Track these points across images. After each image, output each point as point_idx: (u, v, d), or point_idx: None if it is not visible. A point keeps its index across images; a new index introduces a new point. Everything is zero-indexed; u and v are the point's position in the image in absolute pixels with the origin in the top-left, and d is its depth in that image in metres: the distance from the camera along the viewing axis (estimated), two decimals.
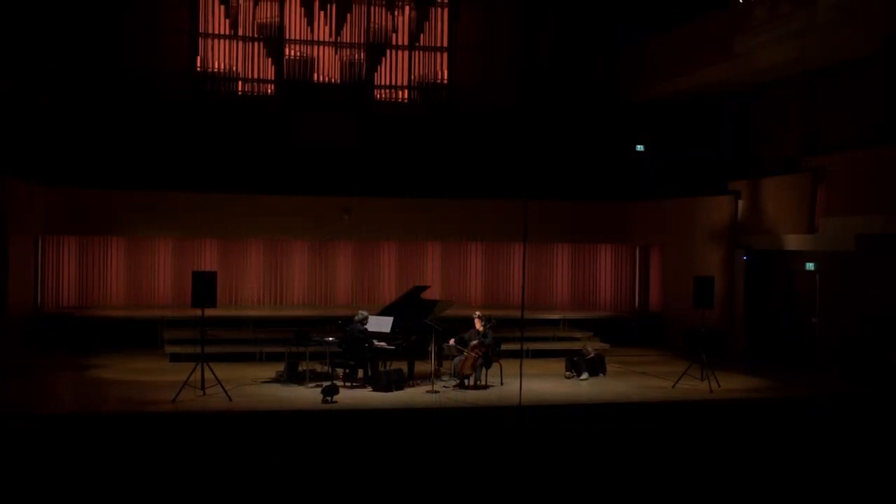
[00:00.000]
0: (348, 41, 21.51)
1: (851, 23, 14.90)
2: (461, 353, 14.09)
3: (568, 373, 15.16)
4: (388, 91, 21.72)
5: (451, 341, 14.27)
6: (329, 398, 12.56)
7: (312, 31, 21.37)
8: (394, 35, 21.74)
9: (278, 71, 21.17)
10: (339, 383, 13.39)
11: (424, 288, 15.71)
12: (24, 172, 17.39)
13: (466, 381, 14.02)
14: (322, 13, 21.39)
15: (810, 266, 16.58)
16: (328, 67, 21.44)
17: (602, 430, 12.18)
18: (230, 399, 12.47)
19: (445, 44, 21.95)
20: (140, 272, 19.74)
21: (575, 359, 15.30)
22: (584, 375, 15.06)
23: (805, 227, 16.24)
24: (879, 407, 13.04)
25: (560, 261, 21.57)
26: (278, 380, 14.27)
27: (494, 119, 21.70)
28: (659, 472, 12.09)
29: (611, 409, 12.80)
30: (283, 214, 19.42)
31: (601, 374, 15.29)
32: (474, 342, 14.11)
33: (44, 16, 19.40)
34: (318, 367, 14.58)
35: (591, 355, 15.50)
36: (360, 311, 14.47)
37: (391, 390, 13.49)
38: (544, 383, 14.41)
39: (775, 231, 17.05)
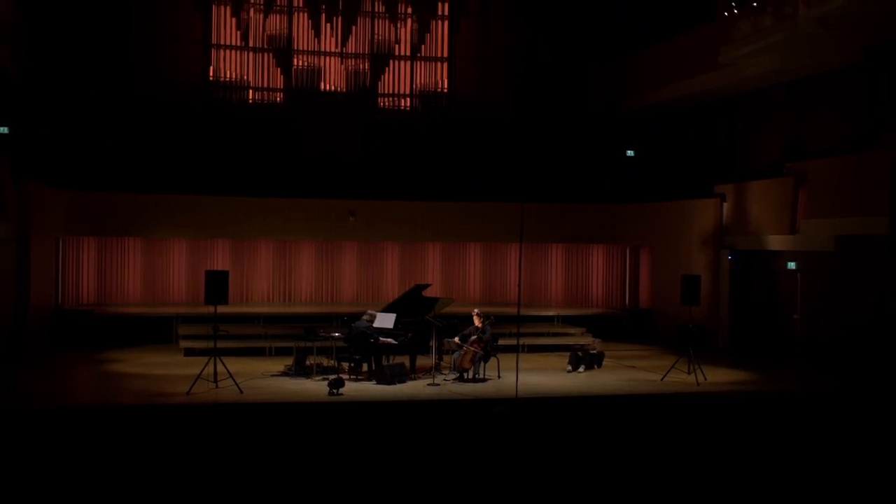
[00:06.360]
0: (353, 52, 21.56)
1: (832, 35, 14.93)
2: (461, 348, 14.13)
3: (569, 366, 15.19)
4: (390, 99, 21.77)
5: (456, 339, 14.29)
6: (335, 391, 12.59)
7: (319, 42, 21.42)
8: (397, 46, 21.78)
9: (287, 80, 21.21)
10: (344, 377, 13.42)
11: (425, 286, 15.74)
12: (45, 176, 17.45)
13: (465, 375, 14.05)
14: (328, 25, 21.45)
15: (792, 265, 16.62)
16: (334, 76, 21.48)
17: (594, 420, 12.21)
18: (241, 391, 12.51)
19: (446, 54, 21.99)
20: (155, 271, 19.76)
21: (579, 354, 15.34)
22: (581, 368, 15.12)
23: (787, 229, 16.28)
24: (859, 401, 13.08)
25: (554, 260, 21.59)
26: (287, 373, 14.31)
27: (492, 126, 21.73)
28: (647, 461, 12.12)
29: (603, 402, 12.83)
30: (291, 216, 19.45)
31: (595, 367, 15.36)
32: (473, 338, 14.14)
33: (63, 30, 19.42)
34: (325, 362, 14.61)
35: (595, 351, 15.60)
36: (367, 312, 14.51)
37: (394, 383, 13.53)
38: (540, 377, 14.44)
39: (759, 232, 17.08)
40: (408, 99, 21.86)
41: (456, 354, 14.25)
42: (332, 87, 21.43)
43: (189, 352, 15.93)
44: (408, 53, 21.85)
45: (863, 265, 14.66)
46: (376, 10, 21.64)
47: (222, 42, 20.94)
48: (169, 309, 18.55)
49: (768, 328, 17.26)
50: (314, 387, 13.26)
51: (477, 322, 14.38)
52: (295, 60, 21.25)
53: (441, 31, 22.00)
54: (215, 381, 12.80)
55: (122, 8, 20.02)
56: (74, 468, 10.67)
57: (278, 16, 21.21)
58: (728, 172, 18.96)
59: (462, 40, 22.13)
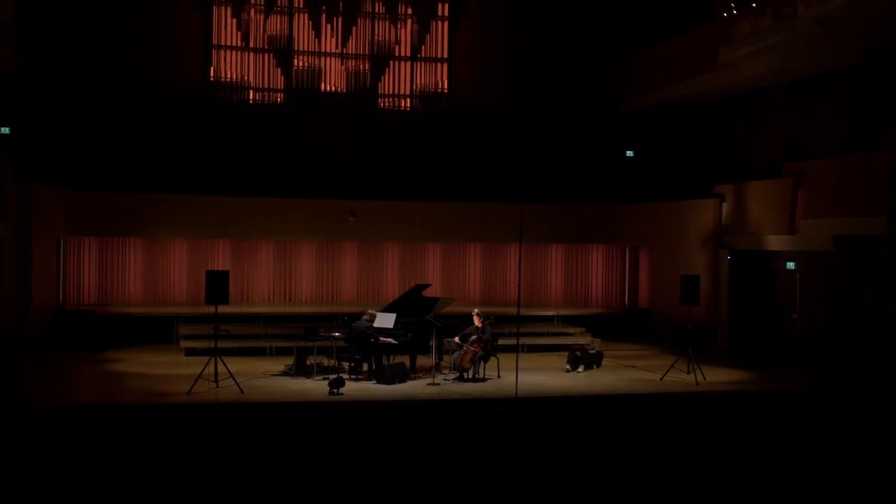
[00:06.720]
0: (354, 52, 21.56)
1: (831, 35, 14.92)
2: (461, 347, 14.12)
3: (568, 366, 15.18)
4: (391, 99, 21.76)
5: (456, 339, 14.28)
6: (335, 390, 12.59)
7: (320, 42, 21.41)
8: (397, 47, 21.78)
9: (287, 80, 21.21)
10: (344, 376, 13.40)
11: (426, 286, 15.73)
12: (45, 176, 17.45)
13: (465, 375, 14.04)
14: (329, 26, 21.45)
15: (791, 265, 16.61)
16: (334, 77, 21.48)
17: (594, 420, 12.20)
18: (242, 391, 12.50)
19: (446, 55, 21.98)
20: (156, 271, 19.77)
21: (578, 354, 15.33)
22: (581, 368, 15.12)
23: (786, 229, 16.28)
24: (858, 401, 13.07)
25: (554, 260, 21.59)
26: (287, 373, 14.31)
27: (492, 126, 21.73)
28: (647, 461, 12.13)
29: (602, 401, 12.82)
30: (291, 216, 19.44)
31: (594, 367, 15.36)
32: (473, 337, 14.14)
33: (63, 30, 19.40)
34: (325, 361, 14.60)
35: (594, 351, 15.59)
36: (367, 311, 14.51)
37: (394, 383, 13.52)
38: (540, 376, 14.42)
39: (758, 232, 17.08)
40: (408, 99, 21.85)
41: (456, 354, 14.24)
42: (333, 88, 21.42)
43: (190, 351, 15.92)
44: (408, 54, 21.84)
45: (861, 265, 14.65)
46: (376, 10, 21.64)
47: (223, 42, 20.93)
48: (170, 309, 18.54)
49: (767, 328, 17.25)
50: (314, 386, 13.26)
51: (477, 322, 14.37)
52: (295, 61, 21.24)
53: (441, 31, 21.99)
54: (216, 380, 12.79)
55: (122, 8, 20.00)
56: (74, 468, 10.67)
57: (279, 16, 21.21)
58: (727, 173, 18.96)
59: (462, 41, 22.12)
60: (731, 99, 19.49)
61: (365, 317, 14.31)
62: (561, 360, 15.68)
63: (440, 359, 14.58)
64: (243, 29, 21.06)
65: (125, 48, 20.04)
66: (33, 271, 16.27)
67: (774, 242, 16.62)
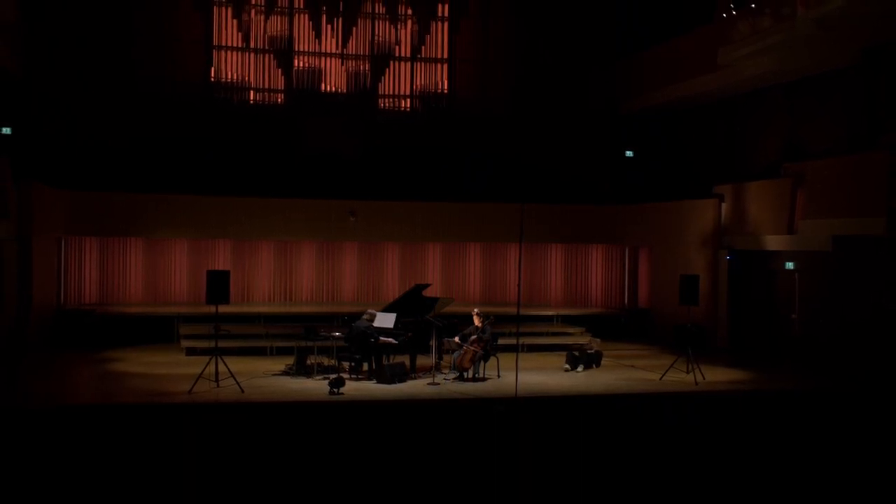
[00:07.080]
0: (354, 53, 21.55)
1: (830, 36, 14.91)
2: (461, 347, 14.10)
3: (567, 366, 15.17)
4: (391, 100, 21.76)
5: (456, 339, 14.27)
6: (336, 390, 12.58)
7: (320, 43, 21.40)
8: (397, 47, 21.77)
9: (288, 81, 21.20)
10: (345, 376, 13.38)
11: (426, 286, 15.72)
12: (45, 176, 17.44)
13: (465, 375, 14.03)
14: (329, 26, 21.44)
15: (790, 265, 16.61)
16: (335, 77, 21.47)
17: (594, 419, 12.19)
18: (242, 390, 12.49)
19: (446, 55, 21.98)
20: (157, 271, 19.76)
21: (576, 353, 15.32)
22: (580, 368, 15.10)
23: (785, 229, 16.27)
24: (857, 400, 13.07)
25: (554, 261, 21.58)
26: (288, 373, 14.29)
27: (492, 127, 21.72)
28: (646, 460, 12.12)
29: (602, 401, 12.81)
30: (292, 216, 19.43)
31: (594, 366, 15.35)
32: (473, 337, 14.13)
33: (63, 30, 19.40)
34: (326, 361, 14.58)
35: (593, 350, 15.58)
36: (367, 311, 14.50)
37: (394, 383, 13.51)
38: (540, 376, 14.41)
39: (757, 232, 17.07)
40: (408, 100, 21.84)
41: (456, 354, 14.23)
42: (333, 88, 21.42)
43: (190, 351, 15.91)
44: (408, 55, 21.83)
45: (860, 265, 14.65)
46: (377, 11, 21.63)
47: (223, 43, 20.92)
48: (170, 308, 18.53)
49: (766, 328, 17.25)
50: (315, 386, 13.24)
51: (477, 322, 14.36)
52: (296, 61, 21.23)
53: (441, 32, 21.98)
54: (216, 380, 12.78)
55: (122, 8, 19.99)
56: (74, 468, 10.65)
57: (279, 17, 21.20)
58: (727, 173, 18.96)
59: (462, 42, 22.11)
60: (731, 99, 19.49)
61: (365, 316, 14.31)
62: (561, 359, 15.67)
63: (440, 359, 14.57)
64: (244, 29, 21.05)
65: (125, 48, 20.03)
66: (33, 271, 16.26)
67: (773, 242, 16.61)
